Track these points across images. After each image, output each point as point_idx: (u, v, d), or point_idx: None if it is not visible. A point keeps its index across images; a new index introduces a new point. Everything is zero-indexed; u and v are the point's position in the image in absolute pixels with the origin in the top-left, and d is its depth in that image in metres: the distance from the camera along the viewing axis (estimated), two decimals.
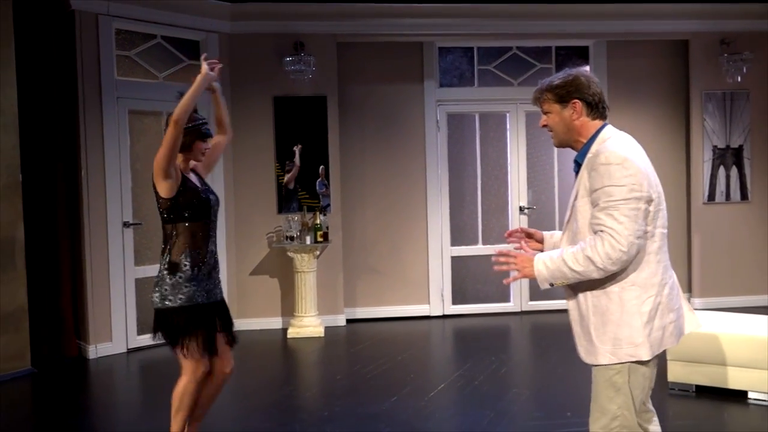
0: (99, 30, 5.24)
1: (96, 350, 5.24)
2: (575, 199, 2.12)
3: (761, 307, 6.39)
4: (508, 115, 6.61)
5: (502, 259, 2.16)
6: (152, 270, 5.49)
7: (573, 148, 2.20)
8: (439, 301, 6.50)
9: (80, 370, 5.03)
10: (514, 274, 2.16)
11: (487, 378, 4.48)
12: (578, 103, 2.11)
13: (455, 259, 6.57)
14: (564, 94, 2.11)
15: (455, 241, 6.57)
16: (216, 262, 3.13)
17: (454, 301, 6.56)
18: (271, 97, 6.10)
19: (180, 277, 2.99)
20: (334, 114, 6.14)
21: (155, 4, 5.50)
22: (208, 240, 3.07)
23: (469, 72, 6.60)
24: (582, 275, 2.00)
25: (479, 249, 6.60)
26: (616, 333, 2.01)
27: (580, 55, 6.70)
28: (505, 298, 6.65)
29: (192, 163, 3.15)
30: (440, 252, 6.50)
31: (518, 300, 6.62)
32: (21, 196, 4.76)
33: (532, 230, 2.44)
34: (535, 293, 6.63)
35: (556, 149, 6.62)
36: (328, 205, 6.08)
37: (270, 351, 5.41)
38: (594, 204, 2.02)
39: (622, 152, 2.01)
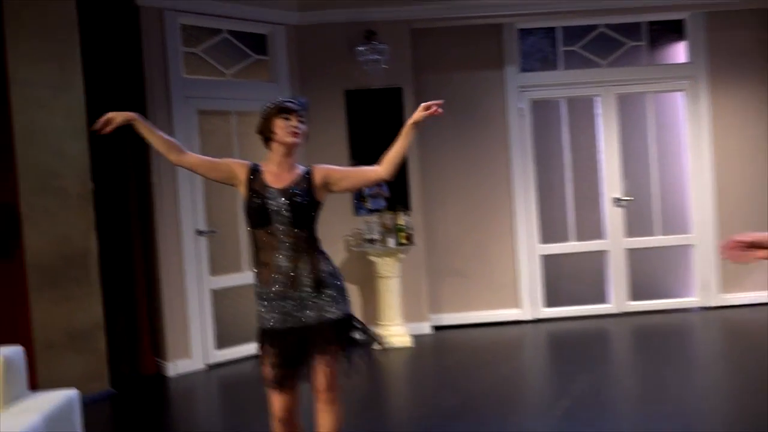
0: (164, 26, 4.92)
1: (175, 367, 4.90)
2: None
3: None
4: (597, 99, 6.05)
5: None
6: (229, 280, 5.16)
7: None
8: (530, 304, 5.97)
9: (160, 389, 4.69)
10: None
11: (612, 391, 3.96)
12: None
13: (546, 258, 6.03)
14: None
15: (545, 239, 6.03)
16: (300, 279, 2.56)
17: (547, 304, 6.02)
18: (343, 90, 5.70)
19: (255, 294, 2.64)
20: (411, 106, 5.69)
21: None
22: (277, 252, 2.57)
23: (552, 54, 6.07)
24: None
25: (571, 246, 6.05)
26: None
27: (675, 29, 6.10)
28: (602, 298, 6.08)
29: (287, 160, 2.67)
30: (530, 250, 5.97)
31: (617, 300, 6.04)
32: (93, 204, 4.45)
33: (755, 236, 1.76)
34: (637, 292, 6.05)
35: (653, 134, 6.04)
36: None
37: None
38: None
39: None
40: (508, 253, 5.98)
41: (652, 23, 6.07)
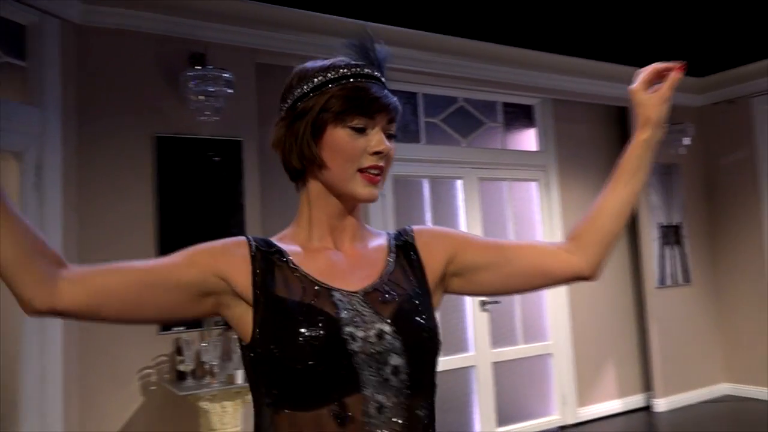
0: None
1: None
2: None
3: (720, 400, 5.77)
4: (460, 182, 5.10)
5: None
6: None
7: None
8: None
9: None
10: None
11: None
12: None
13: None
14: None
15: None
16: None
17: None
18: (151, 136, 3.66)
19: None
20: (252, 166, 3.92)
21: None
22: None
23: (414, 124, 4.98)
24: None
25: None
26: None
27: (526, 114, 5.60)
28: (468, 427, 4.89)
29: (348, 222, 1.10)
30: None
31: (485, 429, 4.91)
32: None
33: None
34: (504, 415, 5.01)
35: (512, 225, 5.29)
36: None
37: None
38: None
39: None
40: None
41: (507, 105, 5.47)
